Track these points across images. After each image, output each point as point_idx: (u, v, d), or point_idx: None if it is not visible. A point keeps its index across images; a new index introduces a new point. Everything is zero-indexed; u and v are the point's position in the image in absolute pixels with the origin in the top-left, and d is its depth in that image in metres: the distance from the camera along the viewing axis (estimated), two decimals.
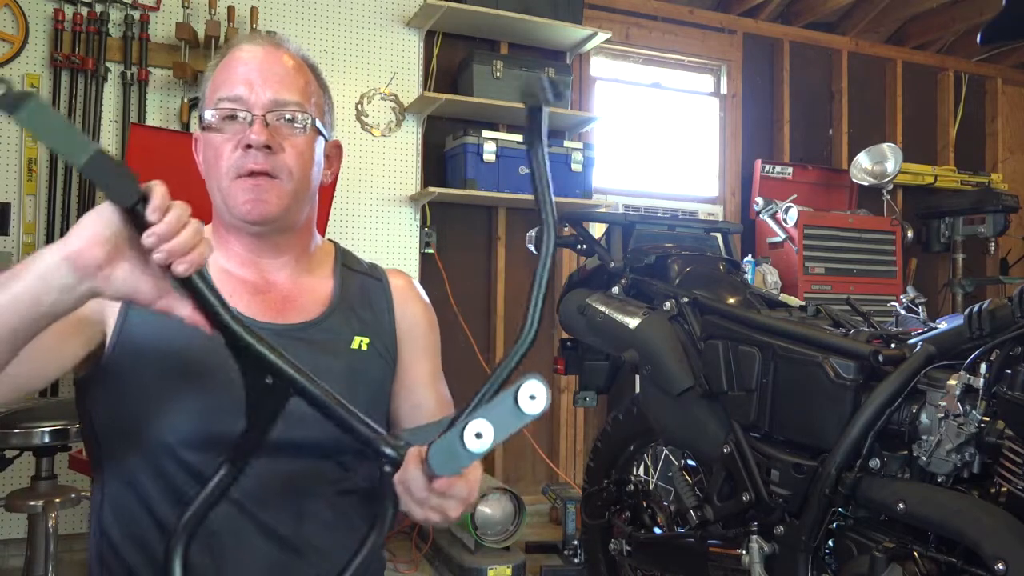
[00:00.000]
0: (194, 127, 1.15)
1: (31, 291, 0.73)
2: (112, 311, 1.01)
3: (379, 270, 1.25)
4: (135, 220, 0.72)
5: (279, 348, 0.82)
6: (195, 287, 0.76)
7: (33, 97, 0.68)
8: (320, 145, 1.12)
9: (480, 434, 0.73)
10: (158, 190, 0.73)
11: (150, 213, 0.71)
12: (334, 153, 1.19)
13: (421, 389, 1.20)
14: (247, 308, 1.05)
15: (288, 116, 1.06)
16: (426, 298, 1.26)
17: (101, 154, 0.70)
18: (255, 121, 1.04)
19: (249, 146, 1.03)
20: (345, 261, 1.21)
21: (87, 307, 0.87)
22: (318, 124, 1.10)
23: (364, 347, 1.12)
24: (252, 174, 1.04)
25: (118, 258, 0.73)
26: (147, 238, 0.72)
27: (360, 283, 1.19)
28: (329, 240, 1.24)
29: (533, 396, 0.72)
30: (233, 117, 1.05)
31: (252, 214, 1.04)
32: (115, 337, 1.01)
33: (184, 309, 0.77)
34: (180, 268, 0.73)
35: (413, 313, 1.22)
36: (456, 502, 0.86)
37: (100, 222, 0.73)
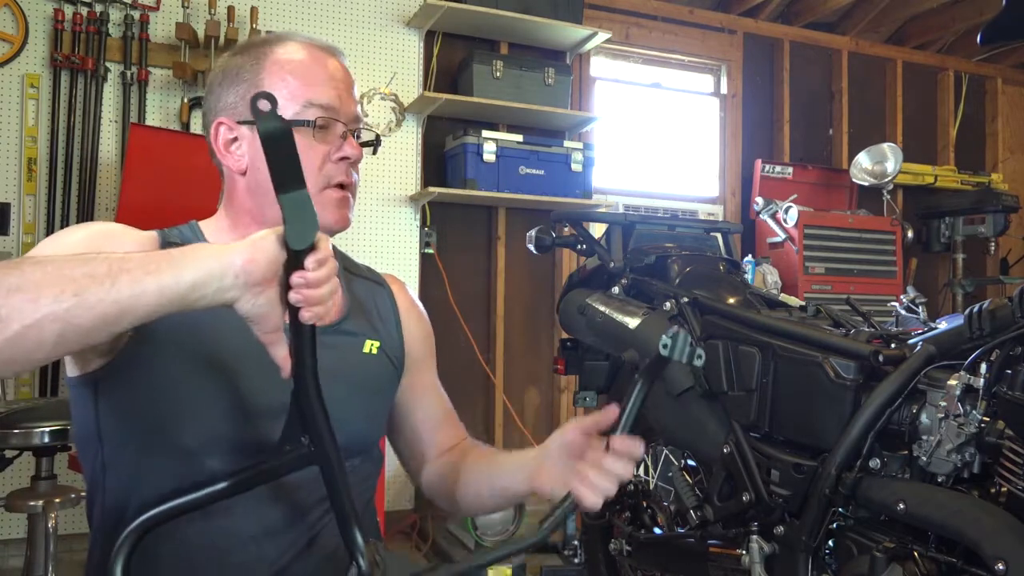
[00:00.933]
0: (228, 115, 1.13)
1: (186, 284, 0.76)
2: None
3: (377, 274, 1.25)
4: (295, 260, 0.78)
5: (331, 423, 0.86)
6: (303, 336, 0.81)
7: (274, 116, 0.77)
8: None
9: None
10: (324, 244, 0.80)
11: (312, 262, 0.78)
12: None
13: (430, 397, 1.24)
14: None
15: (364, 133, 1.10)
16: (422, 306, 1.29)
17: (305, 194, 0.77)
18: (348, 135, 1.06)
19: (344, 159, 1.04)
20: (345, 264, 1.20)
21: None
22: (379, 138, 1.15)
23: (375, 351, 1.12)
24: (341, 186, 1.05)
25: (273, 283, 0.79)
26: (297, 279, 0.78)
27: (364, 287, 1.19)
28: None
29: None
30: (324, 127, 1.04)
31: (340, 224, 1.06)
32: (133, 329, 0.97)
33: (282, 350, 0.82)
34: (307, 315, 0.79)
35: (417, 322, 1.24)
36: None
37: (274, 248, 0.78)
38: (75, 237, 0.96)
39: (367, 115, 1.14)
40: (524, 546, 0.97)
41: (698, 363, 0.91)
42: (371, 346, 1.12)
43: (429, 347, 1.26)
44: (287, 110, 1.02)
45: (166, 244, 1.02)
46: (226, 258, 0.77)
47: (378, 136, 1.14)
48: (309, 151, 1.01)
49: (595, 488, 0.94)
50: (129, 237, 0.99)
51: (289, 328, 0.81)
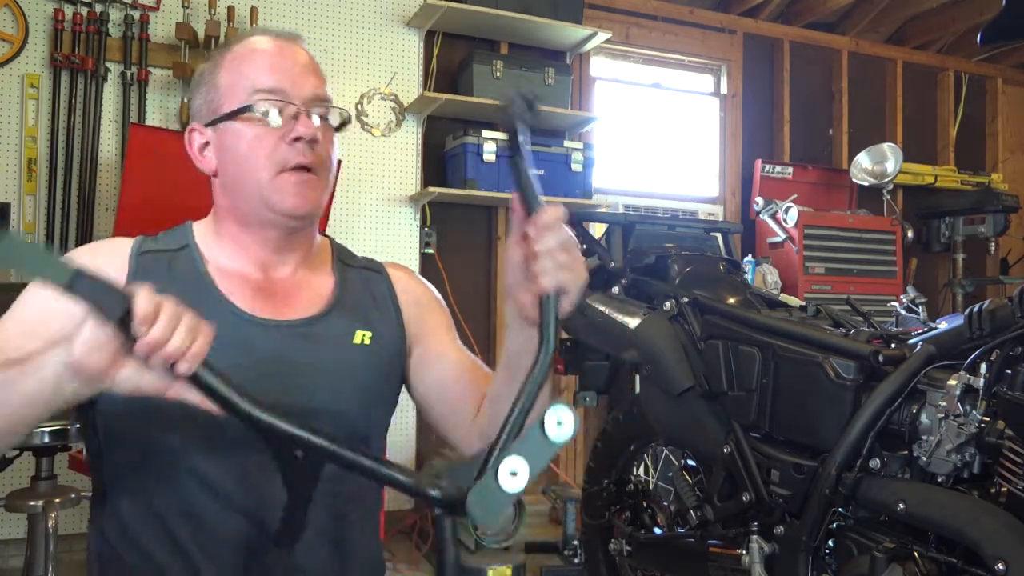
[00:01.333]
0: (197, 120, 1.12)
1: (44, 392, 0.79)
2: None
3: (377, 263, 1.24)
4: (126, 330, 0.72)
5: (305, 423, 0.80)
6: (201, 382, 0.76)
7: (4, 234, 0.71)
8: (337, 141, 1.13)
9: (515, 472, 0.71)
10: (141, 301, 0.72)
11: (137, 327, 0.72)
12: None
13: (447, 357, 1.18)
14: (248, 304, 1.04)
15: (326, 111, 1.07)
16: (429, 284, 1.26)
17: (80, 274, 0.71)
18: (300, 115, 1.03)
19: (297, 139, 1.02)
20: (342, 257, 1.20)
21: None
22: (349, 118, 1.11)
23: (367, 341, 1.11)
24: (299, 168, 1.03)
25: (119, 362, 0.74)
26: (139, 348, 0.73)
27: (360, 277, 1.18)
28: (325, 236, 1.23)
29: (560, 423, 0.71)
30: (268, 111, 1.03)
31: (301, 208, 1.04)
32: None
33: (194, 396, 0.77)
34: (182, 368, 0.74)
35: (417, 295, 1.21)
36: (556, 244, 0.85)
37: (98, 332, 0.73)
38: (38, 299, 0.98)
39: (332, 99, 1.10)
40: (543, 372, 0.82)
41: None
42: (362, 336, 1.11)
43: (435, 316, 1.22)
44: (236, 100, 1.04)
45: (143, 253, 1.04)
46: (55, 362, 0.78)
47: (350, 117, 1.12)
48: (260, 138, 1.02)
49: (554, 272, 0.85)
50: (100, 258, 1.02)
51: (187, 382, 0.76)
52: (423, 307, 1.21)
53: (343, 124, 1.11)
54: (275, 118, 1.03)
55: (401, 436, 3.49)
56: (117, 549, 1.01)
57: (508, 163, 0.87)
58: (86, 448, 1.07)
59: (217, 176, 1.08)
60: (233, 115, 1.03)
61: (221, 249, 1.08)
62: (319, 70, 1.09)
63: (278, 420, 0.78)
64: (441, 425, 1.19)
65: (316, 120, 1.05)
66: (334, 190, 3.00)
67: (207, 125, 1.07)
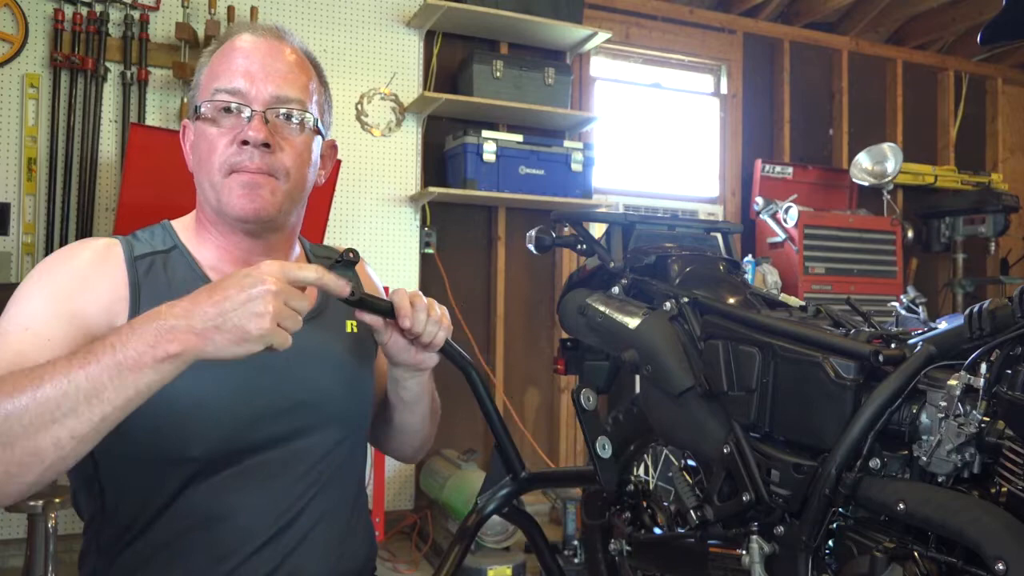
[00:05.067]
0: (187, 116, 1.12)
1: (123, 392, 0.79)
2: (119, 309, 0.97)
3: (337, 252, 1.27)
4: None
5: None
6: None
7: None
8: (318, 145, 1.09)
9: None
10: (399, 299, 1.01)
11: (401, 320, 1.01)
12: (328, 152, 1.16)
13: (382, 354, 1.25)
14: None
15: (288, 113, 1.03)
16: (376, 277, 1.31)
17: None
18: (254, 117, 1.00)
19: (246, 142, 0.99)
20: (316, 252, 1.22)
21: (94, 318, 0.92)
22: (318, 123, 1.07)
23: (355, 329, 1.14)
24: (247, 171, 1.00)
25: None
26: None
27: (335, 269, 1.21)
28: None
29: None
30: (230, 110, 1.01)
31: (245, 210, 1.00)
32: None
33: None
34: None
35: (373, 285, 1.28)
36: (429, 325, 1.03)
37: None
38: (37, 303, 0.94)
39: (307, 100, 1.06)
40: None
41: None
42: (351, 325, 1.14)
43: None
44: (201, 98, 1.03)
45: (137, 259, 1.02)
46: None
47: (315, 121, 1.07)
48: (213, 139, 1.01)
49: (437, 328, 1.04)
50: (83, 258, 0.99)
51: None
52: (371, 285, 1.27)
53: (317, 127, 1.07)
54: (225, 119, 1.01)
55: None
56: (123, 566, 1.01)
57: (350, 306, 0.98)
58: (81, 489, 1.05)
59: (194, 172, 1.07)
60: (196, 113, 1.03)
61: (207, 250, 1.07)
62: (296, 70, 1.05)
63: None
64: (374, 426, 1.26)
65: (282, 122, 1.02)
66: (333, 191, 3.00)
67: (191, 119, 1.07)
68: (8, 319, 0.93)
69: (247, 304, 0.78)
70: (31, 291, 0.95)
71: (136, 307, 0.97)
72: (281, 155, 1.02)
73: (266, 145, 1.00)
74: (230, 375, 0.96)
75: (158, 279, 1.01)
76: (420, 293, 1.03)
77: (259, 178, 1.01)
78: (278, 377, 1.02)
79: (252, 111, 1.00)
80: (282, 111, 1.03)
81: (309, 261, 1.19)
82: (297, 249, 1.17)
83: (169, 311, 0.79)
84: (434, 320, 1.03)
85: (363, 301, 0.94)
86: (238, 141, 1.00)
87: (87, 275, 0.97)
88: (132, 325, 0.79)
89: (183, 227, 1.10)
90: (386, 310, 0.97)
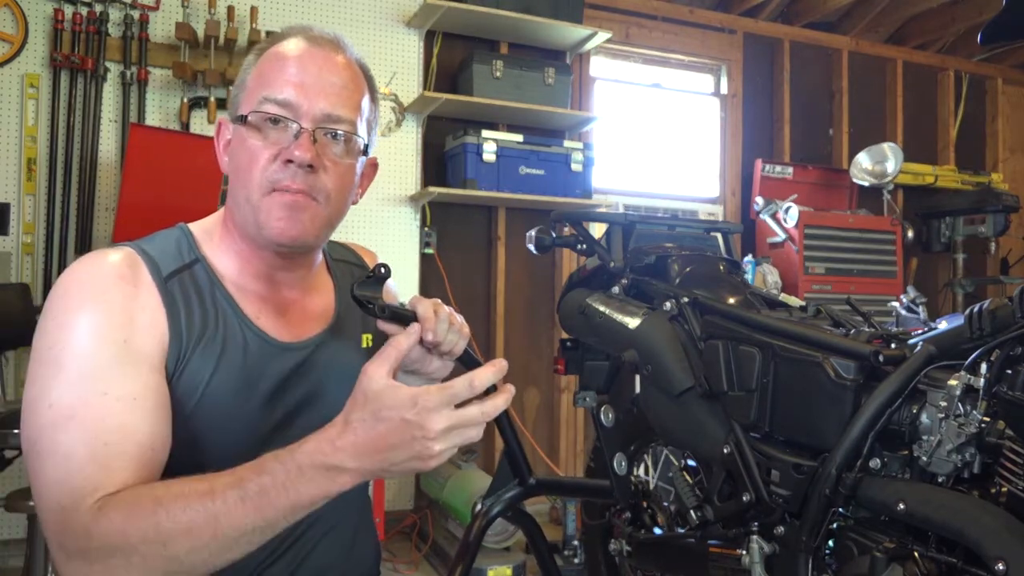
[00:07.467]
0: (227, 113, 1.02)
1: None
2: (160, 333, 0.92)
3: (355, 254, 1.24)
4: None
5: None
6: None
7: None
8: (361, 165, 1.04)
9: None
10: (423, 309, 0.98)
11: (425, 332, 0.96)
12: (368, 171, 1.09)
13: None
14: (275, 329, 1.02)
15: (338, 134, 0.98)
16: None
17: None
18: (302, 135, 0.94)
19: (290, 161, 0.94)
20: (333, 254, 1.19)
21: (155, 357, 0.91)
22: (367, 146, 1.02)
23: (370, 343, 1.12)
24: (288, 191, 0.95)
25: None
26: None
27: (346, 272, 1.18)
28: None
29: None
30: (276, 122, 0.95)
31: (284, 236, 0.96)
32: (174, 365, 0.93)
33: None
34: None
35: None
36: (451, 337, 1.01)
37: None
38: (84, 338, 0.87)
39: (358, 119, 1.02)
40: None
41: None
42: (367, 340, 1.12)
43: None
44: (249, 104, 0.97)
45: (167, 279, 0.96)
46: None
47: (365, 141, 1.02)
48: (257, 151, 0.95)
49: (458, 337, 1.03)
50: (138, 296, 0.93)
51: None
52: (388, 293, 1.22)
53: (363, 149, 1.02)
54: (271, 131, 0.96)
55: None
56: None
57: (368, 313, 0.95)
58: None
59: (229, 178, 1.02)
60: (243, 119, 0.97)
61: (228, 259, 1.02)
62: (351, 85, 0.99)
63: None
64: None
65: (329, 140, 0.97)
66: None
67: (233, 122, 1.01)
68: (68, 377, 0.85)
69: (412, 461, 0.80)
70: (80, 343, 0.87)
71: (177, 337, 0.93)
72: (324, 176, 0.97)
73: (310, 166, 0.95)
74: (255, 410, 0.97)
75: (188, 301, 0.96)
76: (440, 302, 0.99)
77: (300, 199, 0.96)
78: (302, 398, 1.03)
79: (300, 128, 0.95)
80: (332, 131, 0.97)
81: (328, 265, 1.16)
82: (319, 258, 1.12)
83: (333, 449, 0.79)
84: (455, 329, 1.00)
85: (395, 315, 0.93)
86: (282, 159, 0.95)
87: (128, 309, 0.90)
88: (299, 463, 0.80)
89: (203, 233, 1.04)
90: (411, 321, 0.96)
